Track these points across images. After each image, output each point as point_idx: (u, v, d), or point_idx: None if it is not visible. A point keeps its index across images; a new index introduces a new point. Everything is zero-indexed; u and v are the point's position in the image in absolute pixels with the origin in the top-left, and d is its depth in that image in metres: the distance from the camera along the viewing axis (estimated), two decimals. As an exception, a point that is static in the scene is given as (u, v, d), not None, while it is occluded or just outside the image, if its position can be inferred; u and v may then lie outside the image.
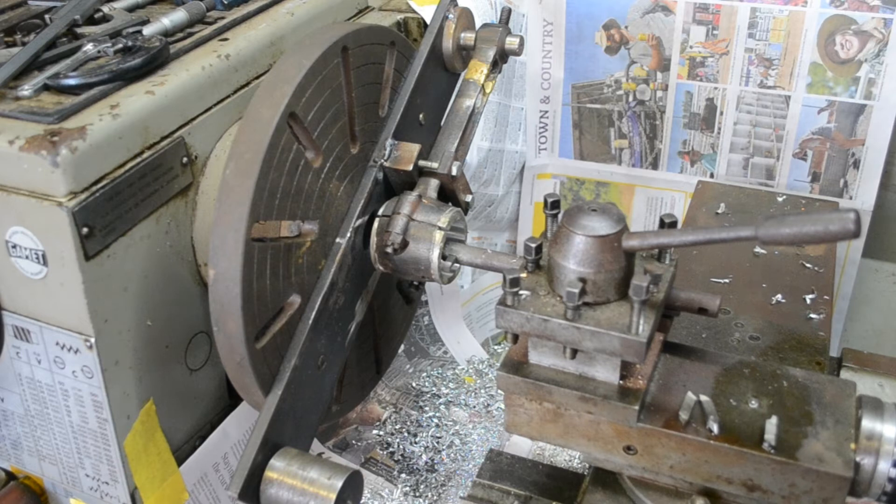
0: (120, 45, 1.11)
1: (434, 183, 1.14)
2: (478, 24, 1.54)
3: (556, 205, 0.97)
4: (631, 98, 1.70)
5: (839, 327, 1.72)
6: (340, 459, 1.50)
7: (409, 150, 1.12)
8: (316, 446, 1.51)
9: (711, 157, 1.69)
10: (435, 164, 1.12)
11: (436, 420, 1.61)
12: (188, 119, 1.09)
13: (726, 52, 1.59)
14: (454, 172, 1.13)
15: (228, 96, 1.15)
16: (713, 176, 1.70)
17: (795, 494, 0.85)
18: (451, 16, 1.20)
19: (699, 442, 0.86)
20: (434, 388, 1.68)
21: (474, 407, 1.65)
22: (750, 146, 1.65)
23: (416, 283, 1.31)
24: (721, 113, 1.64)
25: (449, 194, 1.15)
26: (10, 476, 1.26)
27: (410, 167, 1.10)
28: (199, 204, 1.12)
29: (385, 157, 1.10)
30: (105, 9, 1.25)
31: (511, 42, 1.21)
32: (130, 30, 1.19)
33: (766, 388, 0.91)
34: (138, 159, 1.02)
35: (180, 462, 1.18)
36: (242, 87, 1.17)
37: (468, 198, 1.18)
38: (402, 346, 1.72)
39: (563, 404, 0.91)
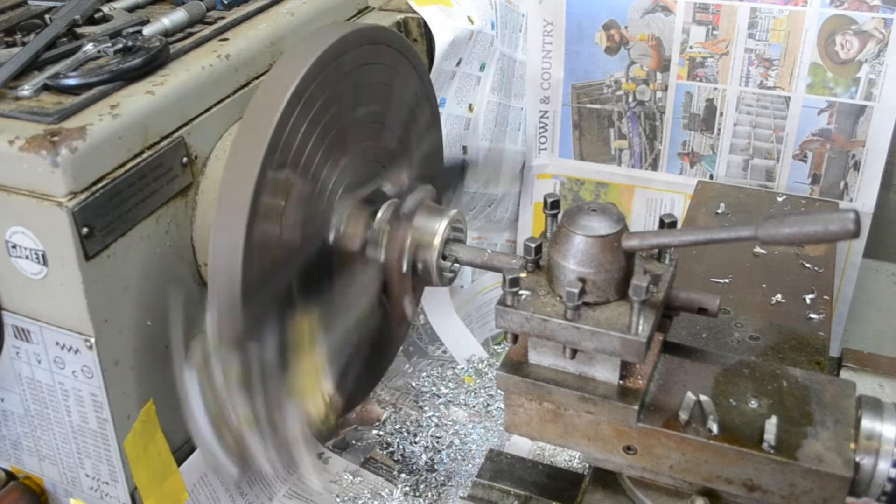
0: (120, 45, 1.11)
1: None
2: (478, 24, 1.55)
3: (555, 205, 0.97)
4: (631, 98, 1.70)
5: (839, 328, 1.72)
6: (340, 460, 1.51)
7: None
8: (315, 446, 1.51)
9: (711, 159, 1.69)
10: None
11: (435, 420, 1.61)
12: (188, 119, 1.09)
13: (726, 53, 1.59)
14: None
15: (228, 96, 1.15)
16: (713, 178, 1.70)
17: (795, 494, 0.85)
18: None
19: (699, 442, 0.86)
20: (434, 388, 1.68)
21: (474, 407, 1.65)
22: (750, 147, 1.65)
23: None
24: (721, 114, 1.64)
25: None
26: (10, 476, 1.26)
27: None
28: (199, 204, 1.12)
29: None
30: (105, 9, 1.25)
31: None
32: (130, 30, 1.19)
33: (766, 388, 0.91)
34: (138, 159, 1.02)
35: (180, 462, 1.18)
36: (242, 87, 1.17)
37: None
38: (402, 346, 1.72)
39: (562, 404, 0.91)
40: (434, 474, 1.50)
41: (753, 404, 0.89)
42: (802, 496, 0.84)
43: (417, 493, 1.45)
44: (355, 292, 1.07)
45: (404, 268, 1.07)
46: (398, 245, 1.06)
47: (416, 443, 1.56)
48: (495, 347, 1.85)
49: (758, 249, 1.30)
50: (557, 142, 1.80)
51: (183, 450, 1.19)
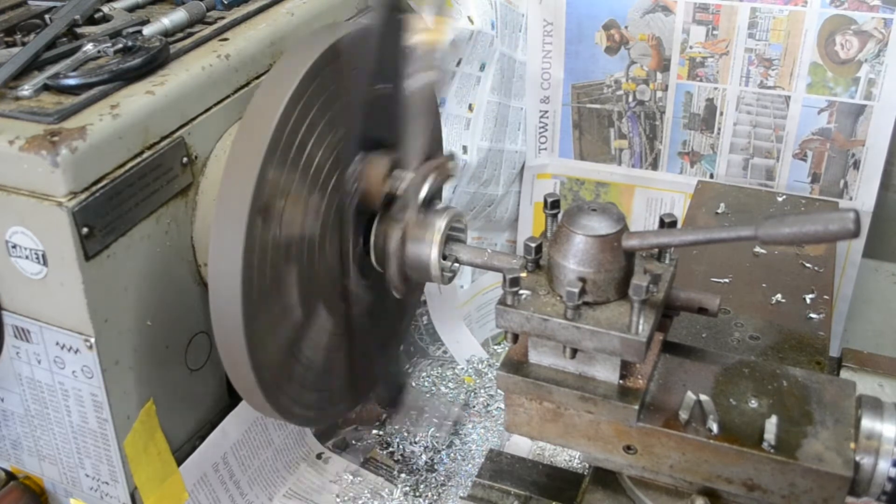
0: (120, 45, 1.11)
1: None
2: (478, 24, 1.55)
3: (555, 204, 0.97)
4: (631, 98, 1.70)
5: (839, 328, 1.72)
6: (340, 460, 1.50)
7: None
8: (315, 446, 1.51)
9: (711, 158, 1.69)
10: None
11: (436, 420, 1.61)
12: (188, 119, 1.09)
13: (726, 53, 1.59)
14: None
15: (228, 96, 1.15)
16: (713, 177, 1.70)
17: (795, 494, 0.85)
18: None
19: (699, 441, 0.86)
20: (434, 388, 1.68)
21: (474, 407, 1.65)
22: (750, 147, 1.65)
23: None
24: (721, 113, 1.64)
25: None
26: (10, 476, 1.26)
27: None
28: (199, 204, 1.12)
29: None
30: (105, 9, 1.25)
31: None
32: (130, 30, 1.19)
33: (766, 387, 0.91)
34: (138, 159, 1.02)
35: (180, 462, 1.18)
36: (242, 87, 1.17)
37: None
38: (402, 346, 1.72)
39: (563, 404, 0.91)
40: (434, 474, 1.50)
41: (753, 404, 0.89)
42: (802, 496, 0.84)
43: (417, 493, 1.45)
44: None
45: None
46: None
47: (416, 443, 1.56)
48: (495, 347, 1.85)
49: (758, 249, 1.30)
50: (557, 142, 1.80)
51: (183, 450, 1.19)
